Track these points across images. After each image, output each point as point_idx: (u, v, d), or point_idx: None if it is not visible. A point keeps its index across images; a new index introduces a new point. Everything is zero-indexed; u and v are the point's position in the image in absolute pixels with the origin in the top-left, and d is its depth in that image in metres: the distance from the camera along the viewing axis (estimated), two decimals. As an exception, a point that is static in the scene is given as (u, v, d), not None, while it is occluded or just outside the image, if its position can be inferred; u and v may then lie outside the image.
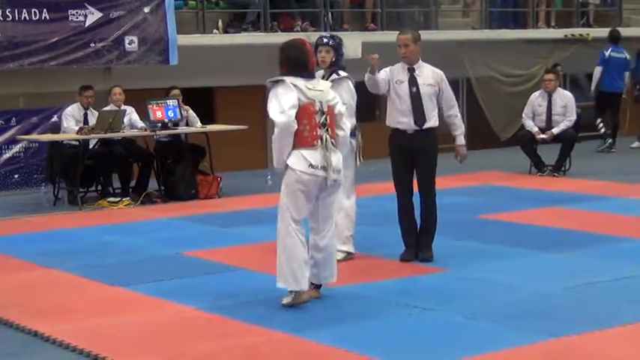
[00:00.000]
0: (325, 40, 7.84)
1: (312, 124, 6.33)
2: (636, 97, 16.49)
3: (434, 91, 7.73)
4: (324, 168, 6.32)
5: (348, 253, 7.87)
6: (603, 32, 16.37)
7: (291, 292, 6.44)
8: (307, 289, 6.47)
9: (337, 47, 7.78)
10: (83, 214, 10.84)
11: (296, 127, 6.27)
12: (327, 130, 6.37)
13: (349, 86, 7.75)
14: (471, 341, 5.64)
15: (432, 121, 7.74)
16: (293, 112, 6.26)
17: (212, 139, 12.13)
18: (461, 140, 7.89)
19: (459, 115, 7.96)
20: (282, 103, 6.27)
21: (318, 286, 6.61)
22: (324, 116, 6.36)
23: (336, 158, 6.41)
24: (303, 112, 6.31)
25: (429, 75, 7.77)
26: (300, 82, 6.35)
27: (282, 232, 6.42)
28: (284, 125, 6.24)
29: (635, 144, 16.17)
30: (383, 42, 13.55)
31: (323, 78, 7.60)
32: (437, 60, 8.02)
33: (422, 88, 7.69)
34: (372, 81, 7.61)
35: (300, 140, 6.31)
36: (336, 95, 6.62)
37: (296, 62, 6.42)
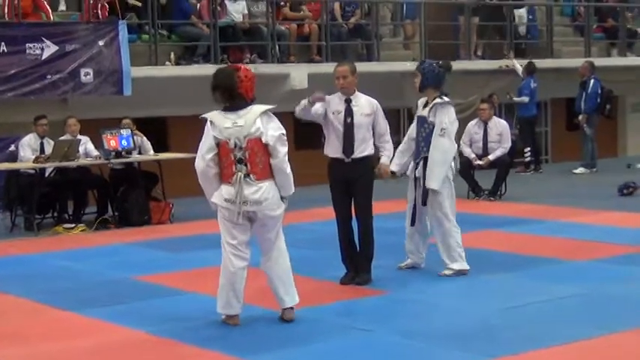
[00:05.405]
0: (415, 65, 8.29)
1: (228, 162, 6.50)
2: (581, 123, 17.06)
3: (370, 120, 7.86)
4: (235, 202, 6.47)
5: (459, 271, 8.25)
6: (536, 63, 17.19)
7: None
8: (238, 313, 6.63)
9: (425, 72, 8.14)
10: (39, 240, 10.99)
11: (214, 170, 6.53)
12: (245, 165, 6.47)
13: (451, 111, 8.10)
14: (410, 361, 5.81)
15: (368, 150, 7.90)
16: (210, 156, 6.49)
17: (164, 167, 12.38)
18: (385, 161, 8.08)
19: (390, 141, 8.07)
20: (202, 146, 6.56)
21: (284, 309, 6.77)
22: (241, 152, 6.46)
23: (253, 190, 6.46)
24: (221, 149, 6.51)
25: (365, 105, 7.90)
26: (220, 118, 6.48)
27: (223, 257, 6.66)
28: (200, 171, 6.59)
29: (579, 169, 16.78)
30: (328, 73, 13.95)
31: (426, 103, 8.07)
32: (378, 90, 8.22)
33: (357, 119, 7.82)
34: (306, 110, 7.81)
35: (222, 176, 6.57)
36: (260, 127, 6.45)
37: (223, 89, 6.53)
